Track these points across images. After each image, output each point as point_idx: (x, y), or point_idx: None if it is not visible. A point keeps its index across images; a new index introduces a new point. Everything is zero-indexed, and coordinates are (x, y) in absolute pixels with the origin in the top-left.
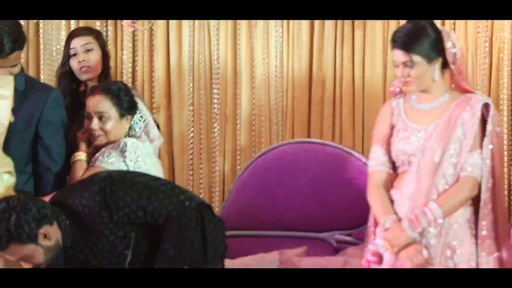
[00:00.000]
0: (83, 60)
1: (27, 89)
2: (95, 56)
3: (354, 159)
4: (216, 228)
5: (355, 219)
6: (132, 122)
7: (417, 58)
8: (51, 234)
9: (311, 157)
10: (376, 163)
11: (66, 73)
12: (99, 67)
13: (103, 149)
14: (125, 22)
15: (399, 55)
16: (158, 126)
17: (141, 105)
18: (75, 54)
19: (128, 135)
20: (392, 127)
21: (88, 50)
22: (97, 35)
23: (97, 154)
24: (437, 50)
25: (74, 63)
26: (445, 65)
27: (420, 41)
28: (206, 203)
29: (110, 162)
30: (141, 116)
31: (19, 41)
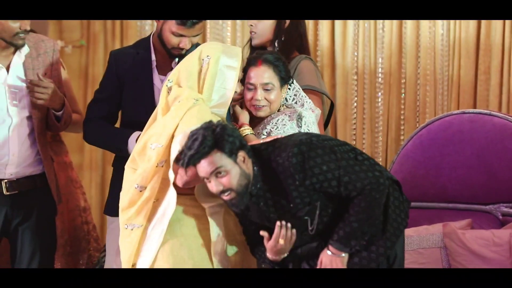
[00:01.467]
0: (251, 25)
1: None
2: (263, 22)
3: None
4: (401, 206)
5: None
6: None
7: None
8: (248, 164)
9: (477, 127)
10: None
11: (250, 39)
12: (267, 34)
13: (273, 121)
14: None
15: None
16: (332, 106)
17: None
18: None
19: (284, 104)
20: None
21: None
22: None
23: (268, 126)
24: None
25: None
26: None
27: None
28: (394, 178)
29: (287, 133)
30: (289, 85)
31: None
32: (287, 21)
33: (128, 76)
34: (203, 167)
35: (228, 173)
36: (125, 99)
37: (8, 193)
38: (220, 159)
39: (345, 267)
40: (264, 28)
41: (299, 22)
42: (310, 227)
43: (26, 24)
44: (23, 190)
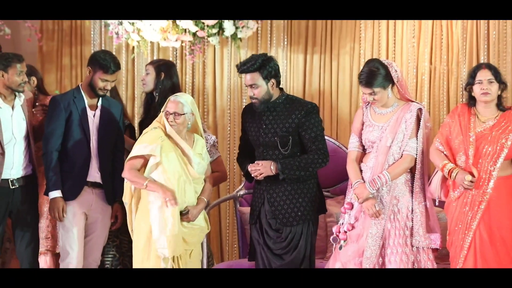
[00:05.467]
0: (142, 80)
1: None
2: (149, 77)
3: (331, 143)
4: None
5: (332, 181)
6: None
7: (377, 89)
8: (274, 88)
9: None
10: (353, 146)
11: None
12: (150, 84)
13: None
14: (188, 57)
15: (365, 90)
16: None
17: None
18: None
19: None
20: (362, 124)
21: (147, 73)
22: (157, 64)
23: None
24: (387, 79)
25: None
26: (393, 84)
27: (377, 79)
28: None
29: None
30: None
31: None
32: (163, 75)
33: (72, 111)
34: (248, 79)
35: (259, 88)
36: (69, 129)
37: (13, 187)
38: (258, 78)
39: (265, 175)
40: (149, 80)
41: (172, 75)
42: (281, 148)
43: (25, 77)
44: (21, 185)
